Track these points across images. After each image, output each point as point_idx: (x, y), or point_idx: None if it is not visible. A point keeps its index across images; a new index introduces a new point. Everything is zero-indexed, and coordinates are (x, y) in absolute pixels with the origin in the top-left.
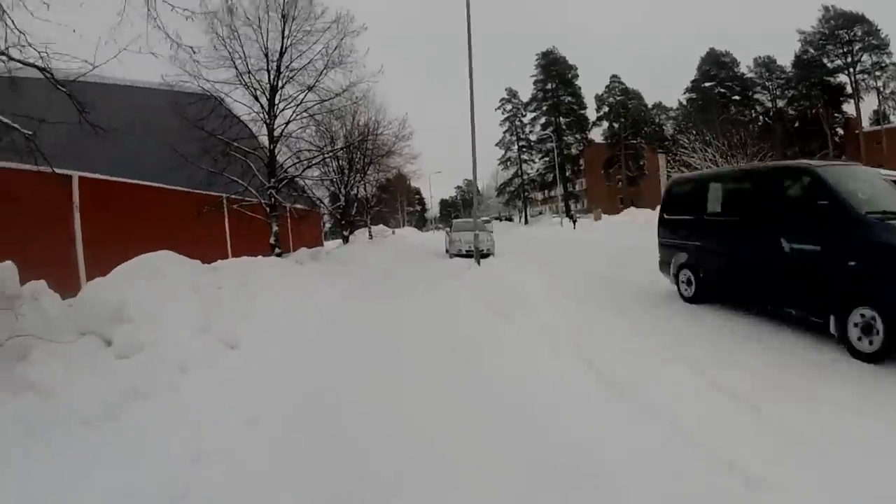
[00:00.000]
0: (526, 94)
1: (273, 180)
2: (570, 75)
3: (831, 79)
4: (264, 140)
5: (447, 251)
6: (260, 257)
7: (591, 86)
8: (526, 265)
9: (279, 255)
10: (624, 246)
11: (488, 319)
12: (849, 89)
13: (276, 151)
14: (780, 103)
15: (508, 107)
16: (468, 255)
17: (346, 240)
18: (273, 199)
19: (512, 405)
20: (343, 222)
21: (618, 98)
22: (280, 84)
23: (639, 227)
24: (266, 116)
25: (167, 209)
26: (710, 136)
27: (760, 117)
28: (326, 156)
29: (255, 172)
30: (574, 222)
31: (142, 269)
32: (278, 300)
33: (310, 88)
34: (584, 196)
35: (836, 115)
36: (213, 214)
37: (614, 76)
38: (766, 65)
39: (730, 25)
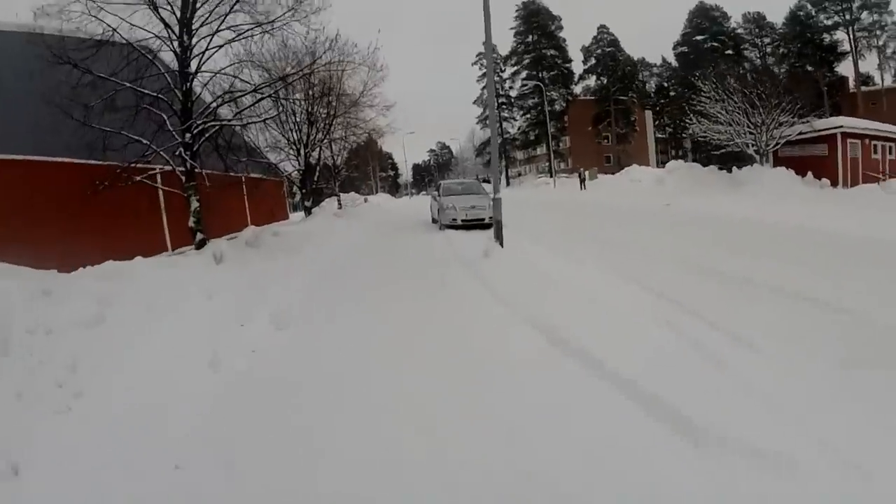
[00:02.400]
0: (505, 47)
1: (188, 135)
2: (553, 27)
3: (827, 36)
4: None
5: (435, 221)
6: (139, 259)
7: (575, 38)
8: (566, 246)
9: (202, 243)
10: (684, 212)
11: (632, 429)
12: (844, 47)
13: (195, 96)
14: (770, 61)
15: (486, 61)
16: (465, 225)
17: (308, 212)
18: (188, 164)
19: None
20: (304, 191)
21: (606, 50)
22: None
23: (652, 186)
24: (177, 44)
25: (49, 190)
26: (736, 84)
27: (748, 75)
28: (263, 94)
29: (164, 125)
30: (583, 182)
31: None
32: (153, 346)
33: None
34: (568, 155)
35: (827, 74)
36: (139, 190)
37: (602, 26)
38: (756, 21)
39: None
